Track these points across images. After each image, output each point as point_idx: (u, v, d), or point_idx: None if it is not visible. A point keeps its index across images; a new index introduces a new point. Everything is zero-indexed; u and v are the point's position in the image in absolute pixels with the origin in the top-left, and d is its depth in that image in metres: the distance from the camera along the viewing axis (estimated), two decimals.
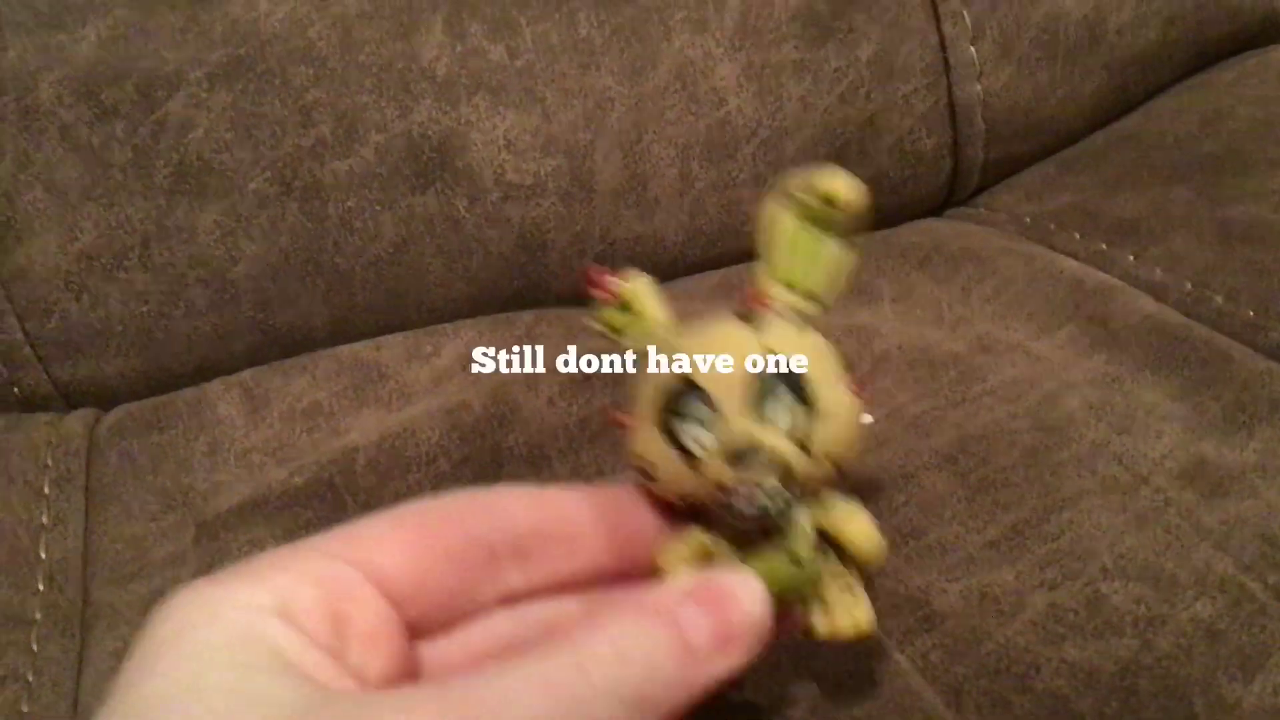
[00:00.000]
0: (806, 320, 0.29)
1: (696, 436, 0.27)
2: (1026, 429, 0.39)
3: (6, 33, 0.45)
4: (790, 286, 0.29)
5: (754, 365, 0.27)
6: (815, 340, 0.28)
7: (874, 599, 0.33)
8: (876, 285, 0.49)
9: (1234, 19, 0.60)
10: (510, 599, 0.29)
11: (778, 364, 0.27)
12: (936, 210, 0.58)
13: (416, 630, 0.28)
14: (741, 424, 0.27)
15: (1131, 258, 0.47)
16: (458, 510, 0.28)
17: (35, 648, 0.37)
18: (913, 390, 0.42)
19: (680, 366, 0.28)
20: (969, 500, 0.37)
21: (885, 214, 0.56)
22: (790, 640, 0.29)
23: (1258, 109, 0.53)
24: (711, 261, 0.54)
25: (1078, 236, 0.50)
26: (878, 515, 0.28)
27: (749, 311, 0.28)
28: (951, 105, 0.55)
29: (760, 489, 0.26)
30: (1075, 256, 0.48)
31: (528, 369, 0.45)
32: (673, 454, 0.27)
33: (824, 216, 0.29)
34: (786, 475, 0.26)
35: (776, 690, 0.32)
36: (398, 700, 0.23)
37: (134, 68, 0.46)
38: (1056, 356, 0.43)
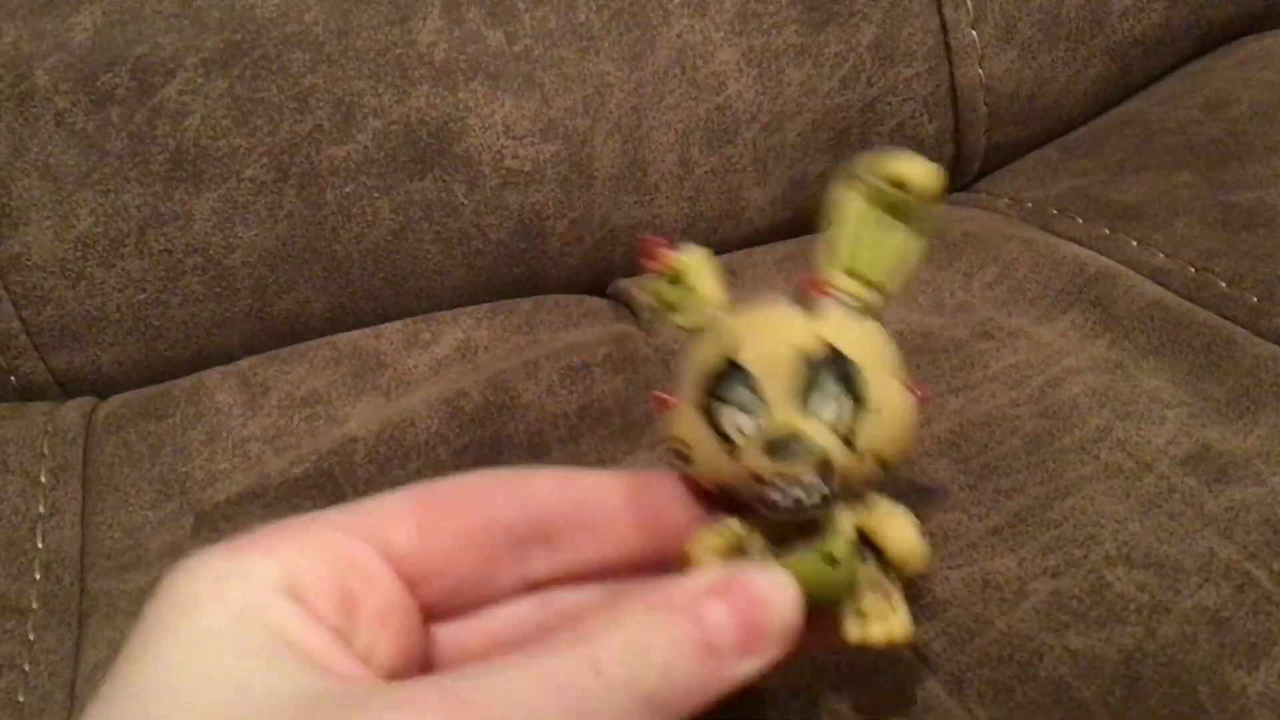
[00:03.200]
0: (868, 311, 0.27)
1: (737, 422, 0.26)
2: (1029, 415, 0.39)
3: (1, 18, 0.45)
4: (853, 275, 0.27)
5: (803, 352, 0.26)
6: (873, 332, 0.27)
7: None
8: None
9: (1237, 3, 0.60)
10: (536, 585, 0.28)
11: (829, 353, 0.26)
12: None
13: (433, 612, 0.27)
14: (783, 412, 0.26)
15: (1134, 243, 0.47)
16: (480, 490, 0.28)
17: (32, 637, 0.37)
18: (914, 377, 0.42)
19: (726, 347, 0.27)
20: (971, 487, 0.37)
21: None
22: (825, 653, 0.28)
23: (1261, 93, 0.53)
24: (712, 248, 0.52)
25: (1080, 221, 0.50)
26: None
27: (807, 297, 0.27)
28: (953, 89, 0.54)
29: (797, 482, 0.25)
30: (1078, 241, 0.48)
31: (527, 356, 0.45)
32: (711, 438, 0.27)
33: (894, 202, 0.27)
34: (826, 470, 0.25)
35: (776, 679, 0.32)
36: (398, 694, 0.22)
37: (129, 53, 0.45)
38: (1059, 342, 0.42)
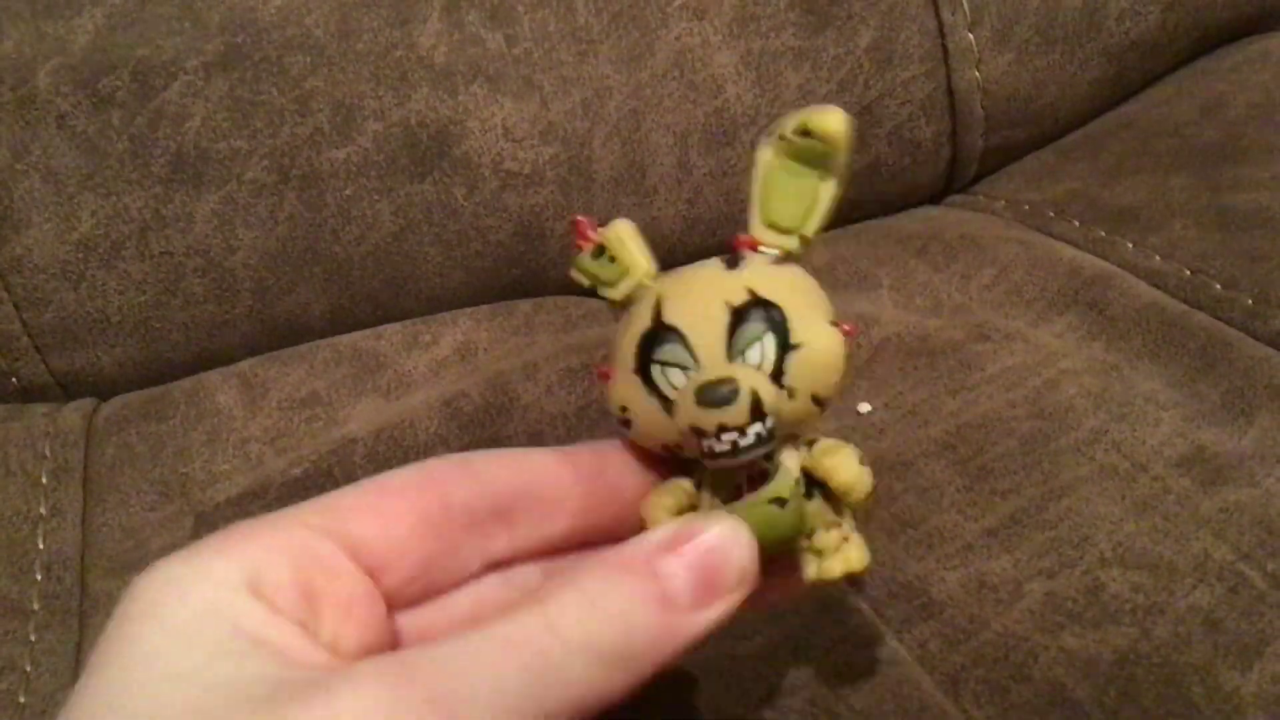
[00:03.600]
0: (791, 259, 0.28)
1: (671, 380, 0.27)
2: (1025, 417, 0.39)
3: (3, 21, 0.45)
4: (772, 227, 0.28)
5: (727, 303, 0.26)
6: (799, 277, 0.28)
7: (871, 587, 0.33)
8: (875, 274, 0.49)
9: (1233, 5, 0.60)
10: (497, 564, 0.29)
11: (751, 299, 0.26)
12: (935, 198, 0.58)
13: (398, 599, 0.27)
14: (716, 363, 0.26)
15: (1130, 245, 0.47)
16: (436, 475, 0.28)
17: (33, 638, 0.37)
18: (911, 378, 0.42)
19: (655, 309, 0.27)
20: (967, 488, 0.37)
21: (883, 202, 0.56)
22: (787, 607, 0.28)
23: (1257, 96, 0.53)
24: (711, 249, 0.53)
25: (1077, 224, 0.50)
26: (875, 503, 0.28)
27: (734, 255, 0.28)
28: (950, 92, 0.54)
29: (732, 427, 0.26)
30: (1074, 244, 0.48)
31: (526, 358, 0.45)
32: (650, 400, 0.27)
33: (809, 152, 0.28)
34: (757, 411, 0.26)
35: (774, 679, 0.32)
36: (352, 671, 0.22)
37: (131, 56, 0.45)
38: (1055, 344, 0.43)
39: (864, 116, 0.53)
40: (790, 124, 0.28)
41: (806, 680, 0.32)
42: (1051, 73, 0.56)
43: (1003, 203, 0.54)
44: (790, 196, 0.28)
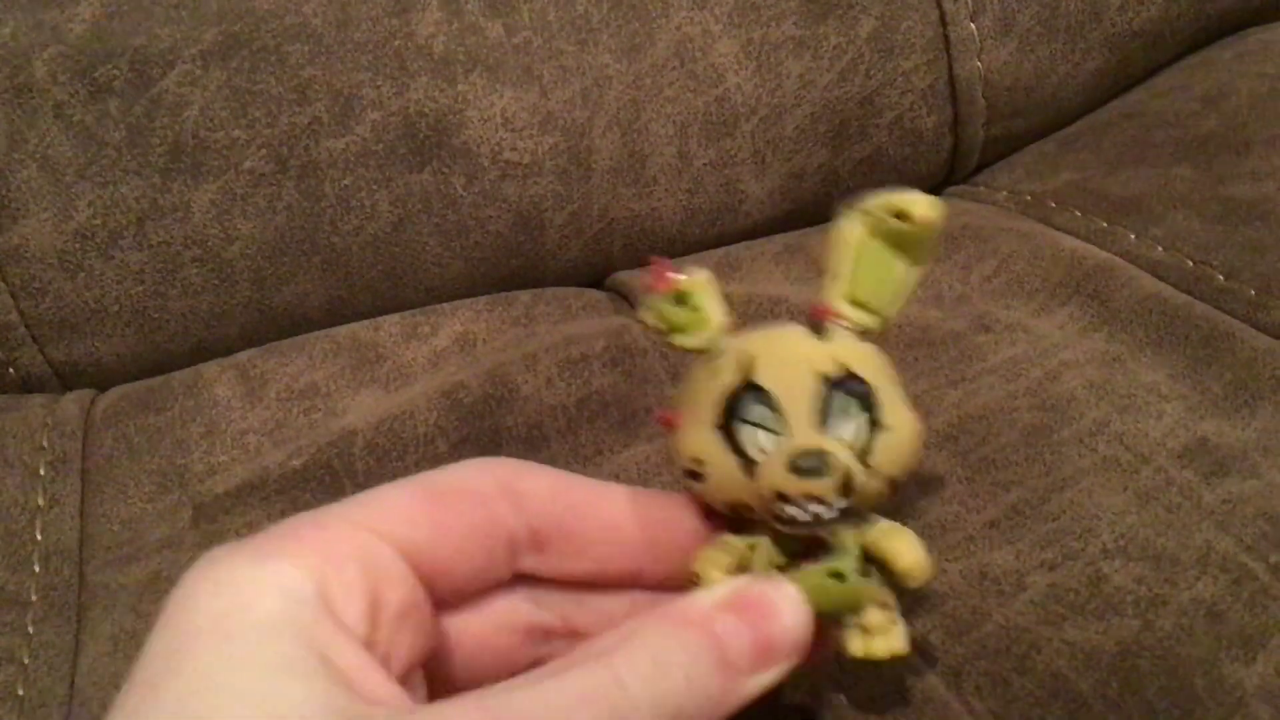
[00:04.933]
0: (869, 336, 0.28)
1: (757, 441, 0.27)
2: (1026, 408, 0.39)
3: (0, 9, 0.45)
4: (855, 303, 0.28)
5: (821, 373, 0.27)
6: (881, 358, 0.28)
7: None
8: None
9: None
10: (527, 578, 0.29)
11: (845, 374, 0.27)
12: (937, 188, 0.58)
13: (441, 606, 0.27)
14: (807, 431, 0.26)
15: (1132, 236, 0.47)
16: (482, 489, 0.28)
17: (31, 630, 0.37)
18: (912, 370, 0.42)
19: (744, 367, 0.27)
20: (969, 480, 0.37)
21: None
22: (824, 664, 0.28)
23: (1259, 86, 0.53)
24: (710, 240, 0.53)
25: (1078, 214, 0.50)
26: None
27: (815, 323, 0.28)
28: (952, 82, 0.54)
29: (819, 499, 0.26)
30: (1076, 235, 0.48)
31: (525, 349, 0.45)
32: (730, 457, 0.27)
33: (895, 233, 0.28)
34: (847, 487, 0.26)
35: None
36: (427, 716, 0.22)
37: (128, 45, 0.45)
38: (1057, 335, 0.42)
39: (865, 106, 0.53)
40: (882, 204, 0.28)
41: (808, 674, 0.32)
42: (1053, 63, 0.56)
43: (1004, 193, 0.54)
44: (878, 276, 0.28)
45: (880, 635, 0.28)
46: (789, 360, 0.27)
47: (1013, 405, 0.39)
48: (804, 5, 0.51)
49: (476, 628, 0.28)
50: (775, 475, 0.26)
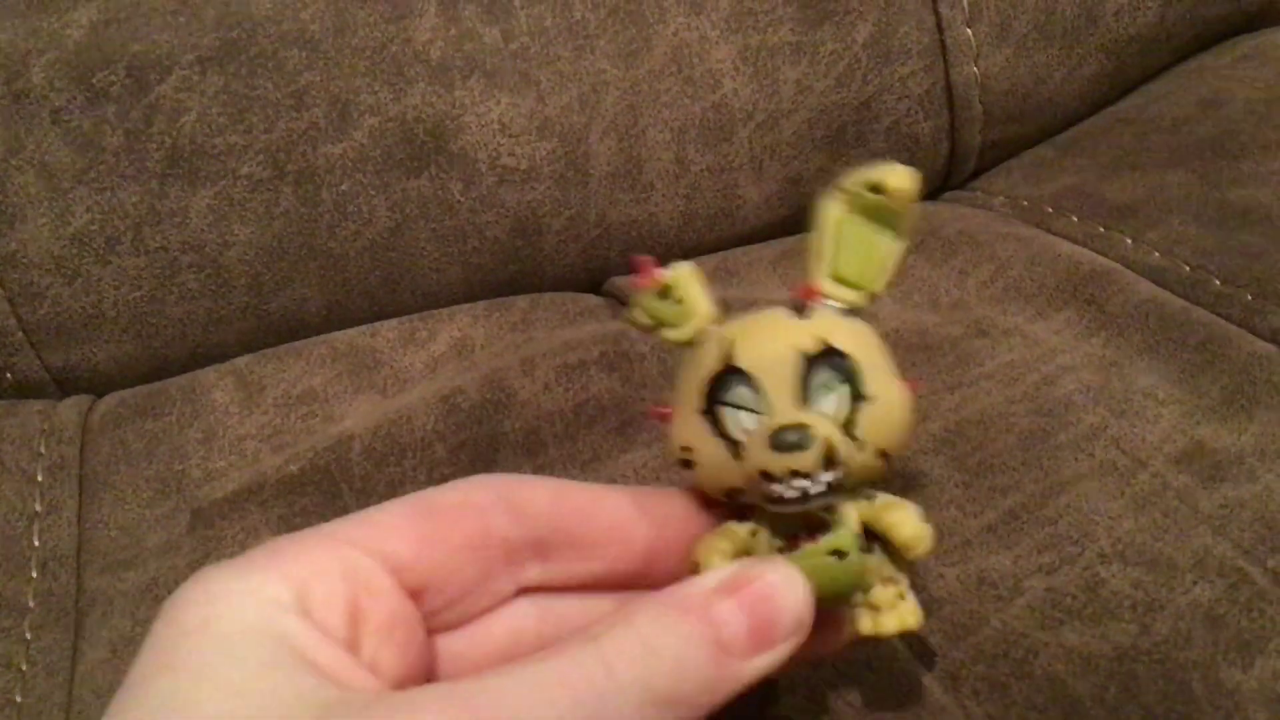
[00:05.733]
0: (855, 312, 0.28)
1: (740, 422, 0.27)
2: (1024, 413, 0.39)
3: None
4: (839, 280, 0.28)
5: (800, 350, 0.27)
6: (867, 331, 0.28)
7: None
8: None
9: (1232, 1, 0.60)
10: (531, 590, 0.29)
11: (825, 349, 0.27)
12: (933, 194, 0.58)
13: (436, 623, 0.27)
14: (788, 409, 0.26)
15: (1129, 241, 0.47)
16: (474, 502, 0.28)
17: (29, 636, 0.37)
18: (909, 374, 0.42)
19: (724, 351, 0.27)
20: (966, 484, 0.37)
21: None
22: (838, 648, 0.28)
23: (1256, 92, 0.53)
24: (708, 245, 0.53)
25: (1075, 220, 0.50)
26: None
27: (799, 303, 0.28)
28: (948, 88, 0.54)
29: (805, 475, 0.26)
30: (1073, 240, 0.48)
31: (523, 354, 0.45)
32: (716, 441, 0.27)
33: (875, 208, 0.28)
34: (830, 460, 0.26)
35: (772, 676, 0.32)
36: (403, 699, 0.22)
37: (125, 51, 0.45)
38: (1053, 340, 0.42)
39: (861, 112, 0.53)
40: (859, 179, 0.28)
41: (805, 677, 0.32)
42: (1050, 68, 0.56)
43: (1001, 198, 0.54)
44: (859, 252, 0.28)
45: (889, 611, 0.28)
46: (768, 340, 0.27)
47: (1010, 410, 0.39)
48: (800, 11, 0.51)
49: (482, 644, 0.28)
50: (758, 454, 0.26)
